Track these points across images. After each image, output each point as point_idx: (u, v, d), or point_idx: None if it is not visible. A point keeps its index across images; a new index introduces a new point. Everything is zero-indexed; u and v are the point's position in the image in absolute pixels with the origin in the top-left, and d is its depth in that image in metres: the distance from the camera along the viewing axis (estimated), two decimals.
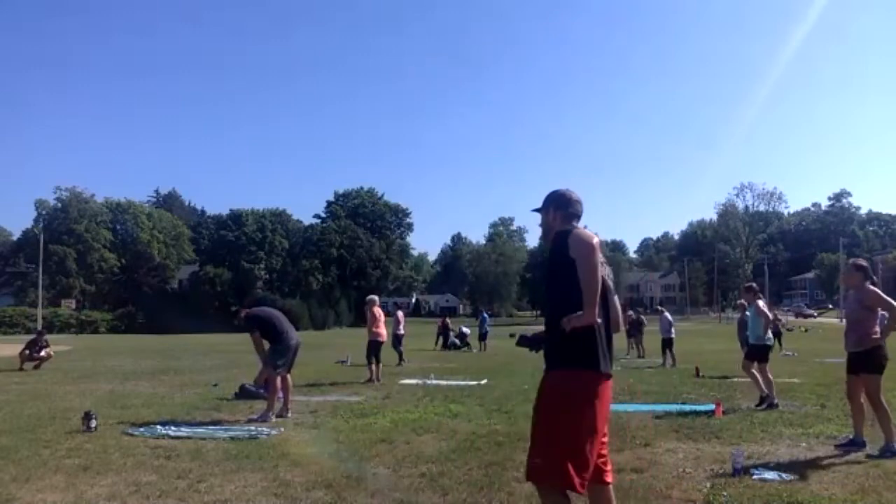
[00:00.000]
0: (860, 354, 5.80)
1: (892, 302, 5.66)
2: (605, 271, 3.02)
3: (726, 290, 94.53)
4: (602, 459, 3.01)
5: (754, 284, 9.97)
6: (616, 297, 3.24)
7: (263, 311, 8.11)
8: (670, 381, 12.02)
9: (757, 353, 8.90)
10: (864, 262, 6.12)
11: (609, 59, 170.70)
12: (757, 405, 8.43)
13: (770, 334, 9.21)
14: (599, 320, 2.88)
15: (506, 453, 5.73)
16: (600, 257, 2.96)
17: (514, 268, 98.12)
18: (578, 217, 3.24)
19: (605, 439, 3.02)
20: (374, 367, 12.13)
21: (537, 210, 3.34)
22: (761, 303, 9.19)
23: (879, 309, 5.80)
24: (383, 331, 12.62)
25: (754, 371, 8.74)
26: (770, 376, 8.67)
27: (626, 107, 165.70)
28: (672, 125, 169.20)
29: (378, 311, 12.64)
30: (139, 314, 64.40)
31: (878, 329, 5.74)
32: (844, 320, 6.16)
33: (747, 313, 11.59)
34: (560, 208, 3.24)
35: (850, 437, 5.95)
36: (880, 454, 5.51)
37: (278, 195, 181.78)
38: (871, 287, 5.82)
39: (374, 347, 12.31)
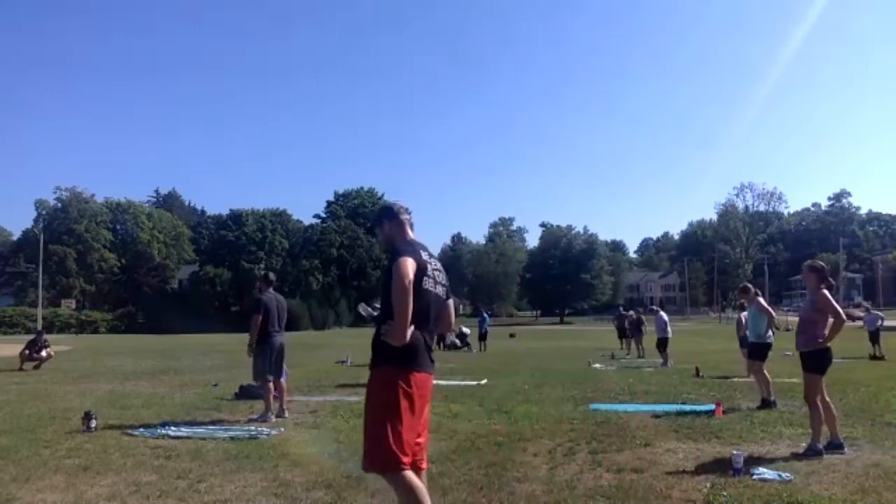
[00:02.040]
0: (806, 354, 5.91)
1: (839, 309, 5.81)
2: (434, 289, 3.37)
3: (726, 290, 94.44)
4: (419, 446, 3.29)
5: (749, 285, 9.95)
6: (451, 300, 3.58)
7: (271, 302, 8.05)
8: (670, 381, 12.02)
9: (758, 352, 8.90)
10: (819, 265, 6.17)
11: (609, 59, 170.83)
12: (759, 406, 8.42)
13: (771, 333, 9.19)
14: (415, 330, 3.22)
15: (506, 453, 5.73)
16: (431, 275, 3.34)
17: (514, 268, 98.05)
18: (409, 220, 3.61)
19: (423, 430, 3.32)
20: None
21: (372, 230, 3.57)
22: (762, 300, 9.18)
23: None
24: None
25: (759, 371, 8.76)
26: (768, 376, 8.67)
27: (626, 107, 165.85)
28: (672, 125, 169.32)
29: None
30: (139, 314, 64.37)
31: (825, 332, 5.79)
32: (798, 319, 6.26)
33: (744, 313, 11.66)
34: (392, 219, 3.60)
35: (828, 439, 5.92)
36: (803, 453, 5.56)
37: (278, 195, 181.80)
38: (824, 291, 5.91)
39: None
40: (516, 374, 13.47)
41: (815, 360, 5.84)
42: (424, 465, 3.37)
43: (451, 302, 3.59)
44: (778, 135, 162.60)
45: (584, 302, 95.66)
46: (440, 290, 3.45)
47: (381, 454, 3.12)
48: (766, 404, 8.36)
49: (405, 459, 3.12)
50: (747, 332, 9.91)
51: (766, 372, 8.69)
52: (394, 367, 3.20)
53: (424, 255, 3.37)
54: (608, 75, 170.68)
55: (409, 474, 3.14)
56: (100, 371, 15.29)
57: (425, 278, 3.30)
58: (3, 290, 72.81)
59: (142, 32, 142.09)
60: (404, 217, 3.59)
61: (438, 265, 3.50)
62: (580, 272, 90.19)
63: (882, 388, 10.21)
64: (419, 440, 3.28)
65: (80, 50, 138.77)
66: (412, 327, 3.15)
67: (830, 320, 5.78)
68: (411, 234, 3.57)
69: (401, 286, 3.06)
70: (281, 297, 8.25)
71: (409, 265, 3.15)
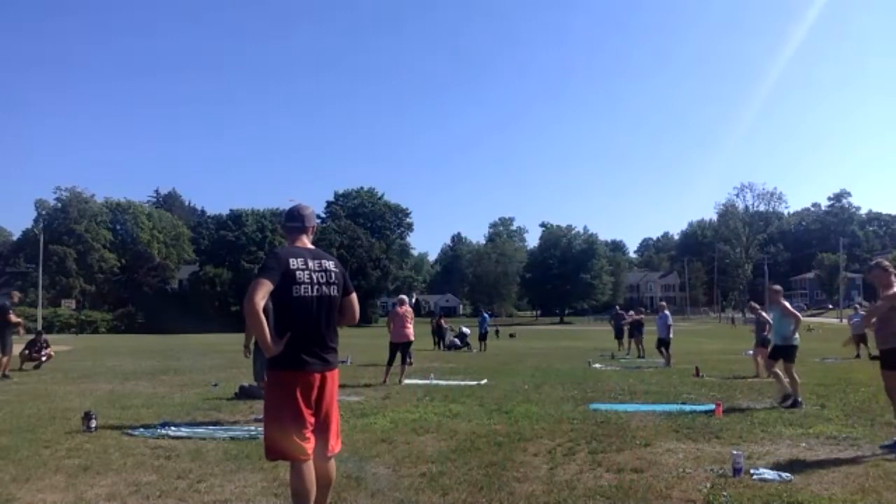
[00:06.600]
0: (884, 352, 5.92)
1: None
2: (314, 292, 3.49)
3: (726, 290, 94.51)
4: (319, 435, 3.50)
5: (778, 286, 9.75)
6: (353, 296, 3.74)
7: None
8: (670, 381, 12.01)
9: (782, 353, 8.83)
10: (886, 263, 6.12)
11: (609, 59, 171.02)
12: (780, 402, 8.44)
13: (798, 335, 9.03)
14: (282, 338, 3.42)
15: (506, 453, 5.73)
16: (308, 280, 3.46)
17: (514, 268, 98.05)
18: (298, 230, 3.71)
19: (312, 419, 3.47)
20: (402, 366, 12.10)
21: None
22: (787, 303, 9.12)
23: None
24: (405, 331, 12.35)
25: (777, 370, 8.76)
26: (796, 376, 8.66)
27: (626, 106, 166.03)
28: (672, 125, 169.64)
29: (401, 310, 12.44)
30: (139, 314, 64.38)
31: None
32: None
33: (763, 314, 11.71)
34: (283, 224, 3.81)
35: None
36: (891, 449, 5.50)
37: (278, 195, 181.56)
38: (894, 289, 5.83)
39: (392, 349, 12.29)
40: (516, 374, 13.47)
41: (891, 358, 5.79)
42: (329, 453, 3.58)
43: (352, 297, 3.73)
44: (778, 135, 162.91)
45: (584, 302, 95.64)
46: (331, 289, 3.57)
47: (273, 447, 3.43)
48: (789, 401, 8.34)
49: (293, 453, 3.38)
50: (765, 335, 9.84)
51: (794, 373, 8.67)
52: (273, 369, 3.48)
53: (298, 261, 3.48)
54: (608, 75, 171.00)
55: (295, 463, 3.40)
56: (100, 371, 15.29)
57: (295, 286, 3.43)
58: (3, 290, 72.74)
59: (142, 32, 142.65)
60: (290, 224, 3.73)
61: (328, 265, 3.59)
62: (580, 272, 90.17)
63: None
64: (306, 432, 3.43)
65: (80, 50, 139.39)
66: (288, 333, 3.38)
67: None
68: (301, 240, 3.68)
69: (246, 310, 3.27)
70: None
71: (260, 287, 3.30)
